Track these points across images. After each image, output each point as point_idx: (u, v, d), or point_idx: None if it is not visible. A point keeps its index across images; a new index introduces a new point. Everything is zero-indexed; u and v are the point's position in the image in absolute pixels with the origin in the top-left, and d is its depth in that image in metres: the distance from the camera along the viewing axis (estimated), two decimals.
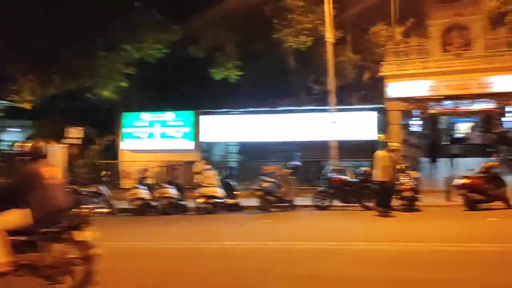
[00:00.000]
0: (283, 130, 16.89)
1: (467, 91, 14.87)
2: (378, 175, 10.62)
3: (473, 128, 30.92)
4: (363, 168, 12.32)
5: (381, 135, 15.80)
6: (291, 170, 12.82)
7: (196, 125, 17.47)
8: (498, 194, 10.39)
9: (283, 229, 9.13)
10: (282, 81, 21.71)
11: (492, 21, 17.58)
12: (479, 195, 10.40)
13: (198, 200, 11.92)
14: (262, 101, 18.09)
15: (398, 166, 11.11)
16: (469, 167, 11.78)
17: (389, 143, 12.12)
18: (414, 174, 12.58)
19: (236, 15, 18.99)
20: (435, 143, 22.15)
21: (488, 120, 22.94)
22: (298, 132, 16.72)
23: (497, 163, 11.02)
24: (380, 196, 10.59)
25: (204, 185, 12.10)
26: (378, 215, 10.19)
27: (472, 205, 10.41)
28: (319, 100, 20.76)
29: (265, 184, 12.04)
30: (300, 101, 20.40)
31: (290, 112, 17.04)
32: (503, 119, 18.58)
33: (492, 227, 8.27)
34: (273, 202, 12.04)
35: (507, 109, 15.79)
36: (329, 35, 14.35)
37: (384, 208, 10.38)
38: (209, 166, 12.76)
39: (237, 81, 20.46)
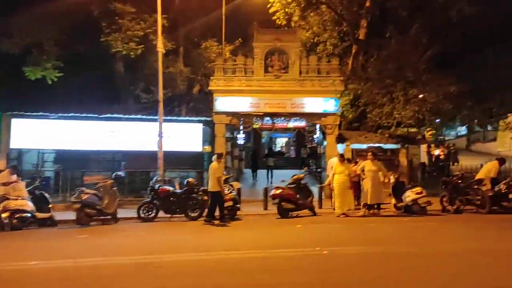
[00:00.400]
0: (107, 138, 16.00)
1: (284, 110, 16.64)
2: (212, 185, 10.98)
3: (288, 143, 35.10)
4: (188, 179, 12.52)
5: (206, 147, 16.42)
6: (114, 181, 12.17)
7: (4, 129, 15.18)
8: (305, 203, 11.85)
9: (99, 244, 8.52)
10: (110, 87, 20.69)
11: (306, 49, 20.41)
12: (290, 204, 11.68)
13: (2, 215, 10.27)
14: (87, 107, 16.91)
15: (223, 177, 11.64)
16: (284, 178, 13.19)
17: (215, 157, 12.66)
18: (236, 185, 13.42)
19: (60, 12, 17.39)
20: (256, 155, 24.17)
21: (301, 137, 26.27)
22: (124, 141, 16.07)
23: (304, 175, 12.56)
24: (213, 206, 11.00)
25: (10, 197, 10.51)
26: (209, 224, 10.59)
27: (284, 214, 11.59)
28: (147, 109, 20.49)
29: (84, 196, 11.14)
30: (128, 109, 19.78)
31: (116, 119, 16.25)
32: (314, 136, 21.55)
33: (297, 233, 9.24)
34: (93, 215, 11.24)
35: (316, 127, 18.33)
36: (160, 45, 14.30)
37: (218, 218, 10.90)
38: (17, 176, 11.13)
39: (58, 83, 18.72)
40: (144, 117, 16.84)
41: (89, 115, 16.05)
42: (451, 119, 18.37)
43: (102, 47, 18.72)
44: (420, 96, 15.24)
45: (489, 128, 25.17)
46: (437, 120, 17.82)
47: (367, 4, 17.53)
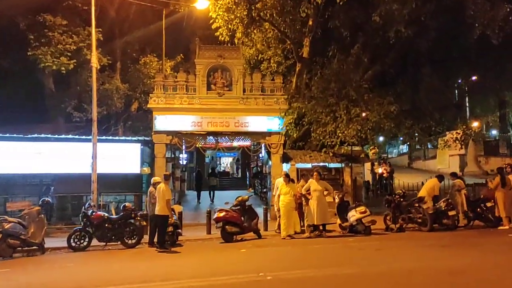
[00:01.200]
0: (35, 160, 15.20)
1: (227, 129, 16.74)
2: (160, 208, 10.76)
3: (233, 163, 35.24)
4: (125, 204, 12.18)
5: (144, 168, 16.09)
6: (41, 207, 11.54)
7: None
8: (250, 226, 11.88)
9: (21, 279, 7.97)
10: (38, 105, 19.79)
11: (250, 66, 20.77)
12: (235, 227, 11.66)
13: None
14: (12, 126, 16.06)
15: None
16: (228, 199, 13.17)
17: (154, 178, 12.42)
18: (178, 208, 13.22)
19: None
20: (201, 176, 24.01)
21: (246, 156, 26.46)
22: (53, 163, 15.35)
23: (248, 197, 12.63)
24: (162, 230, 10.81)
25: None
26: (164, 252, 10.39)
27: (228, 238, 11.55)
28: (80, 128, 19.82)
29: (6, 225, 10.46)
30: (58, 128, 19.02)
31: (44, 140, 15.51)
32: (259, 155, 21.78)
33: (241, 258, 9.20)
34: (16, 246, 10.56)
35: (262, 146, 18.55)
36: (95, 60, 13.94)
37: (164, 244, 10.75)
38: None
39: None
40: (76, 137, 16.26)
41: (14, 135, 15.21)
42: (392, 137, 19.40)
43: (29, 62, 17.95)
44: (363, 115, 15.96)
45: (429, 146, 26.86)
46: (380, 139, 18.73)
47: (310, 22, 18.26)
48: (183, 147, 18.01)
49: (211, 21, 18.08)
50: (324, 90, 16.47)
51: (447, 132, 21.08)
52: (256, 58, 20.32)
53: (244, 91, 16.86)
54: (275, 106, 16.64)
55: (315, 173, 12.13)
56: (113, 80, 21.41)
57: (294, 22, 18.61)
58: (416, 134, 18.30)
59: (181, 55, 24.69)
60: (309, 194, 11.90)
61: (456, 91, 22.58)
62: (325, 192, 11.92)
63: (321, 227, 11.88)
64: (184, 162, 24.43)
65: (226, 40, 18.41)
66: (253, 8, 17.47)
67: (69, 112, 20.12)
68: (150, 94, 16.87)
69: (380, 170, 21.04)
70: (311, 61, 18.10)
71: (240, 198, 12.27)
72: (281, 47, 19.87)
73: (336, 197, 12.61)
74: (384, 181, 20.63)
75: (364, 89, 16.48)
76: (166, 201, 10.73)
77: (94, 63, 13.94)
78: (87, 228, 11.48)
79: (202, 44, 17.54)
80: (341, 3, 16.02)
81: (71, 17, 19.41)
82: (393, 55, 18.51)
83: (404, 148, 34.22)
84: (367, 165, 21.10)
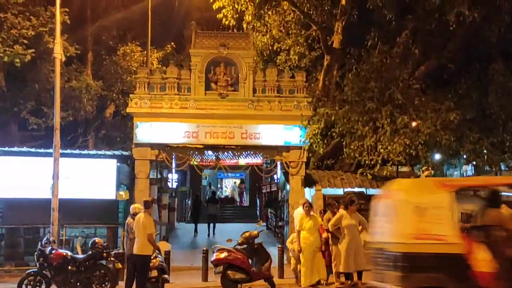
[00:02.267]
0: None
1: (232, 141, 16.81)
2: (141, 246, 10.75)
3: (239, 187, 35.24)
4: (95, 239, 12.22)
5: (121, 192, 16.18)
6: None
7: None
8: (260, 271, 11.78)
9: None
10: None
11: (263, 59, 20.90)
12: (240, 273, 11.59)
13: None
14: None
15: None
16: (231, 235, 13.12)
17: (133, 205, 12.47)
18: (164, 245, 13.23)
19: None
20: (198, 202, 24.11)
21: (256, 177, 26.52)
22: (2, 184, 15.50)
23: (258, 232, 12.55)
24: (143, 276, 10.81)
25: None
26: None
27: (231, 286, 11.50)
28: (38, 138, 20.05)
29: None
30: (9, 138, 19.23)
31: None
32: (274, 177, 21.79)
33: None
34: None
35: (277, 165, 18.54)
36: (59, 50, 14.14)
37: None
38: None
39: None
40: (32, 150, 16.40)
41: None
42: (452, 155, 19.20)
43: None
44: (413, 124, 15.90)
45: (503, 167, 26.53)
46: (435, 157, 18.59)
47: (343, 2, 18.37)
48: (173, 164, 18.06)
49: (212, 0, 18.31)
50: (361, 91, 16.47)
51: None
52: (271, 48, 20.46)
53: (254, 91, 16.95)
54: (296, 111, 16.68)
55: (349, 202, 11.96)
56: (82, 76, 21.69)
57: (321, 1, 18.76)
58: (485, 151, 18.09)
59: (172, 43, 25.01)
60: (339, 230, 11.81)
61: None
62: (359, 228, 11.83)
63: (355, 276, 11.75)
64: (174, 185, 24.53)
65: (231, 24, 18.60)
66: None
67: (25, 117, 20.34)
68: (130, 95, 17.02)
69: None
70: (343, 53, 18.16)
71: (247, 234, 12.25)
72: (304, 34, 20.00)
73: None
74: None
75: (414, 90, 16.45)
76: (148, 236, 10.74)
77: (58, 54, 14.15)
78: (44, 271, 11.54)
79: (199, 29, 17.75)
80: None
81: None
82: (453, 46, 18.45)
83: (469, 169, 33.86)
84: None
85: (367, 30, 18.36)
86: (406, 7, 18.14)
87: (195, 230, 22.00)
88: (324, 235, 12.41)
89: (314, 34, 19.68)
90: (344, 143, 16.67)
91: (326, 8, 18.97)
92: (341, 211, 11.98)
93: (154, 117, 16.57)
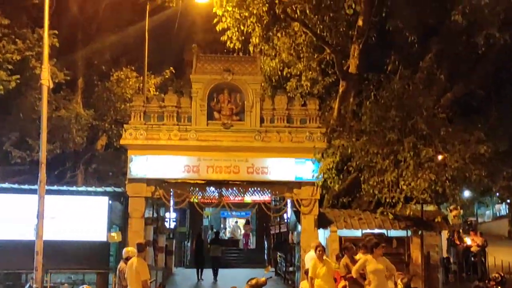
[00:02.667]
0: None
1: (237, 176, 16.81)
2: None
3: (244, 228, 35.03)
4: (84, 286, 12.17)
5: (113, 234, 16.12)
6: None
7: None
8: None
9: None
10: None
11: (271, 86, 21.03)
12: None
13: None
14: None
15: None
16: (236, 282, 12.99)
17: (126, 249, 12.42)
18: None
19: None
20: (201, 243, 23.91)
21: (263, 217, 26.35)
22: None
23: (265, 279, 12.43)
24: None
25: None
26: None
27: None
28: (22, 173, 20.06)
29: None
30: None
31: None
32: (284, 215, 21.65)
33: None
34: None
35: (287, 203, 18.47)
36: (46, 76, 14.26)
37: None
38: None
39: None
40: (15, 186, 16.44)
41: None
42: (484, 192, 19.14)
43: None
44: (439, 158, 15.86)
45: None
46: (464, 194, 18.47)
47: (359, 23, 18.57)
48: (171, 202, 18.03)
49: (215, 21, 18.55)
50: (380, 121, 16.50)
51: None
52: (280, 73, 20.65)
53: (262, 121, 17.04)
54: (308, 143, 16.72)
55: (375, 245, 11.59)
56: (72, 105, 21.85)
57: (336, 22, 18.99)
58: None
59: (171, 68, 25.30)
60: (362, 277, 11.60)
61: None
62: (386, 274, 11.62)
63: None
64: (172, 225, 24.43)
65: (236, 47, 18.82)
66: (276, 1, 17.93)
67: (7, 150, 20.42)
68: (124, 125, 17.12)
69: (468, 242, 20.64)
70: (361, 79, 18.27)
71: (254, 282, 12.14)
72: (316, 58, 20.19)
73: (399, 282, 12.37)
74: (473, 259, 20.20)
75: (440, 119, 16.46)
76: (142, 283, 10.65)
77: (46, 80, 14.24)
78: None
79: (201, 53, 17.90)
80: None
81: (14, 14, 20.01)
82: (482, 70, 18.56)
83: (503, 208, 33.68)
84: (446, 234, 20.75)
85: (386, 53, 18.54)
86: (429, 28, 18.32)
87: (199, 276, 21.78)
88: (342, 284, 12.18)
89: (328, 58, 19.86)
90: (362, 179, 16.63)
91: (341, 29, 19.19)
92: (367, 256, 11.60)
93: (150, 150, 16.63)
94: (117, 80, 23.45)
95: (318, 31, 19.02)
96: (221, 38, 19.06)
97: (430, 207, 17.40)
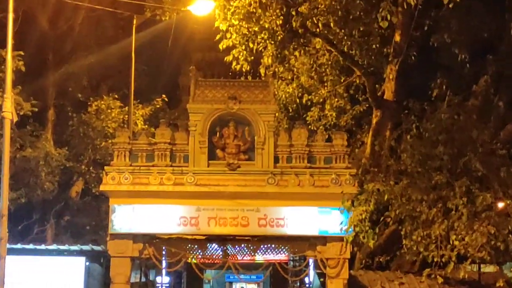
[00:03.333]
0: None
1: (245, 230, 16.74)
2: None
3: None
4: None
5: None
6: None
7: None
8: None
9: None
10: None
11: (288, 116, 21.06)
12: None
13: None
14: None
15: None
16: None
17: None
18: None
19: None
20: None
21: (279, 281, 26.01)
22: None
23: None
24: None
25: None
26: None
27: None
28: None
29: None
30: None
31: None
32: (305, 279, 21.44)
33: None
34: None
35: (309, 263, 18.31)
36: (9, 107, 14.37)
37: None
38: None
39: None
40: None
41: None
42: None
43: None
44: (499, 205, 15.75)
45: None
46: None
47: (397, 38, 18.71)
48: (164, 263, 17.95)
49: (218, 37, 18.73)
50: (424, 159, 16.44)
51: None
52: (298, 101, 20.76)
53: (276, 160, 17.05)
54: (334, 188, 16.68)
55: None
56: (40, 142, 21.96)
57: (367, 37, 19.13)
58: None
59: (164, 96, 25.42)
60: None
61: None
62: None
63: None
64: None
65: (244, 69, 18.97)
66: (293, 13, 18.09)
67: None
68: (105, 167, 17.13)
69: None
70: (399, 107, 18.31)
71: None
72: (344, 83, 20.33)
73: None
74: None
75: (499, 157, 16.36)
76: None
77: (8, 113, 14.34)
78: None
79: (201, 76, 18.02)
80: (450, 5, 16.41)
81: None
82: None
83: None
84: None
85: (431, 75, 18.53)
86: (484, 45, 18.38)
87: None
88: None
89: (357, 81, 19.98)
90: (403, 232, 16.47)
91: (373, 46, 19.31)
92: None
93: (137, 198, 16.62)
94: (96, 111, 23.58)
95: (345, 49, 19.16)
96: (225, 59, 19.22)
97: (490, 268, 17.22)
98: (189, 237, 16.92)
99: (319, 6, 17.96)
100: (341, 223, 16.58)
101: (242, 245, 17.30)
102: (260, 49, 18.86)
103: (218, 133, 17.08)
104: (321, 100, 20.48)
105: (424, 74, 18.93)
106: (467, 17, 17.76)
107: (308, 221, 16.81)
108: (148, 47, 23.62)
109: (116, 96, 24.12)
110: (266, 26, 18.24)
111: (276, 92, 19.06)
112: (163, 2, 21.43)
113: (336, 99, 20.34)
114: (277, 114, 18.37)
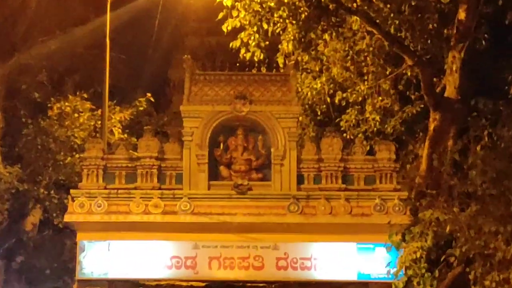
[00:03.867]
0: None
1: (260, 274, 16.78)
2: None
3: None
4: None
5: None
6: None
7: None
8: None
9: None
10: None
11: (315, 120, 20.97)
12: None
13: None
14: None
15: None
16: None
17: None
18: None
19: None
20: None
21: None
22: None
23: None
24: None
25: None
26: None
27: None
28: None
29: None
30: None
31: None
32: None
33: None
34: None
35: None
36: None
37: None
38: None
39: None
40: None
41: None
42: None
43: None
44: None
45: None
46: None
47: (461, 15, 18.61)
48: None
49: (220, 16, 18.68)
50: (499, 178, 16.39)
51: None
52: (329, 100, 20.68)
53: (300, 180, 17.10)
54: (378, 217, 16.67)
55: None
56: None
57: (421, 15, 19.03)
58: None
59: (149, 95, 25.38)
60: None
61: None
62: None
63: None
64: None
65: (256, 58, 18.90)
66: None
67: None
68: (71, 190, 17.18)
69: None
70: (464, 108, 18.24)
71: None
72: (390, 75, 20.21)
73: None
74: None
75: None
76: None
77: None
78: None
79: (199, 69, 18.04)
80: None
81: None
82: None
83: None
84: None
85: (507, 65, 18.49)
86: None
87: None
88: None
89: (408, 74, 19.86)
90: (471, 276, 16.41)
91: (430, 26, 19.19)
92: None
93: (115, 231, 16.66)
94: (59, 115, 23.61)
95: (392, 30, 19.07)
96: (230, 45, 19.15)
97: None
98: (184, 283, 16.91)
99: None
100: (388, 265, 16.50)
101: None
102: (277, 31, 18.77)
103: (222, 145, 17.12)
104: (359, 99, 20.37)
105: (498, 64, 18.84)
106: None
107: (343, 262, 16.83)
108: (127, 30, 23.57)
109: (86, 95, 24.09)
110: (286, 0, 18.18)
111: (300, 89, 19.00)
112: None
113: (380, 98, 20.23)
114: (300, 118, 18.35)
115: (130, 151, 17.20)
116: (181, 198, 16.71)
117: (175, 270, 16.71)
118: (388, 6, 18.70)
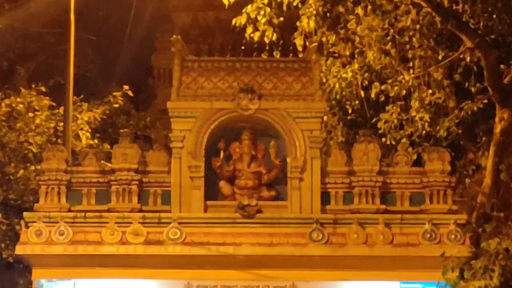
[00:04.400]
0: None
1: None
2: None
3: None
4: None
5: None
6: None
7: None
8: None
9: None
10: None
11: (344, 120, 21.10)
12: None
13: None
14: None
15: None
16: None
17: None
18: None
19: None
20: None
21: None
22: None
23: None
24: None
25: None
26: None
27: None
28: None
29: None
30: None
31: None
32: None
33: None
34: None
35: None
36: None
37: None
38: None
39: None
40: None
41: None
42: None
43: None
44: None
45: None
46: None
47: None
48: None
49: None
50: None
51: None
52: (363, 94, 20.75)
53: (325, 199, 17.18)
54: (428, 248, 16.74)
55: None
56: None
57: None
58: None
59: (126, 88, 25.51)
60: None
61: None
62: None
63: None
64: None
65: (267, 39, 18.95)
66: None
67: None
68: (25, 214, 17.28)
69: None
70: None
71: None
72: (443, 62, 20.26)
73: None
74: None
75: None
76: None
77: None
78: None
79: (192, 53, 18.14)
80: None
81: None
82: None
83: None
84: None
85: None
86: None
87: None
88: None
89: (467, 59, 19.89)
90: None
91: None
92: None
93: (82, 268, 16.76)
94: (8, 115, 23.75)
95: (446, 2, 19.13)
96: (233, 22, 19.18)
97: None
98: None
99: None
100: None
101: None
102: (295, 3, 18.81)
103: (222, 153, 17.16)
104: (403, 92, 20.39)
105: None
106: None
107: None
108: (99, 3, 23.69)
109: (44, 89, 24.19)
110: None
111: (325, 80, 19.03)
112: None
113: (430, 91, 20.25)
114: (325, 118, 18.38)
115: (102, 161, 17.27)
116: (169, 223, 16.80)
117: None
118: None
